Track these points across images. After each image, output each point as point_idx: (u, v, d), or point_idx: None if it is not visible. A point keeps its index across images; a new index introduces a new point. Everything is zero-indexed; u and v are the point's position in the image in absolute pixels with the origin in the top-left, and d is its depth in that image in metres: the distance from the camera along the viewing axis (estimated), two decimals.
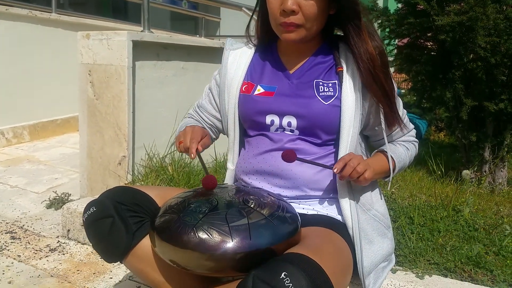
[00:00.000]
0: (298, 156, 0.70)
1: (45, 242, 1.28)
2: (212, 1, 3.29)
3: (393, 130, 0.81)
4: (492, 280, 0.88)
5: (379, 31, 2.25)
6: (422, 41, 2.46)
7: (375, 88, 0.73)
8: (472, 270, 0.90)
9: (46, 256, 1.18)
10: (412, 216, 1.15)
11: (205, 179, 0.69)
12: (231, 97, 0.81)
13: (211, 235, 0.59)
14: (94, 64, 1.47)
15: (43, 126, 2.63)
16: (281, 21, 0.72)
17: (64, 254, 1.20)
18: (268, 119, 0.77)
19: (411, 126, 0.86)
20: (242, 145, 0.84)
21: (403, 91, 3.89)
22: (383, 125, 0.77)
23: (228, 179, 0.86)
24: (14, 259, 1.16)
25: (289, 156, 0.69)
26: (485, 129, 2.35)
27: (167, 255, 0.63)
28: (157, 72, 1.57)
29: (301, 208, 0.77)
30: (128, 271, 1.10)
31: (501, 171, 2.34)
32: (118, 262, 0.73)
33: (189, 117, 0.93)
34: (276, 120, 0.77)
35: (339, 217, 0.77)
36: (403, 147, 0.83)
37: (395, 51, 2.63)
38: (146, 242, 0.69)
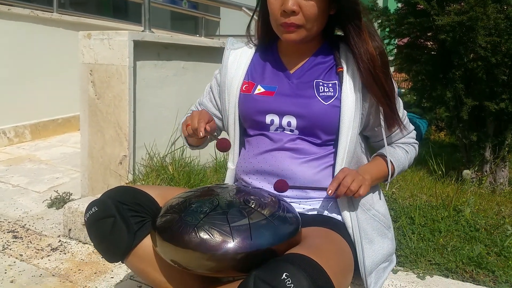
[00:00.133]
0: (290, 184, 0.71)
1: (47, 241, 1.28)
2: (212, 1, 3.29)
3: (393, 131, 0.81)
4: (494, 281, 0.88)
5: (379, 31, 2.25)
6: (422, 40, 2.46)
7: (375, 89, 0.73)
8: (474, 271, 0.90)
9: (48, 256, 1.19)
10: (413, 216, 1.15)
11: (219, 142, 0.69)
12: (231, 97, 0.81)
13: (212, 235, 0.59)
14: (95, 63, 1.47)
15: (44, 125, 2.64)
16: (281, 21, 0.72)
17: (65, 254, 1.20)
18: (268, 118, 0.77)
19: (411, 127, 0.85)
20: (242, 144, 0.85)
21: (403, 90, 3.88)
22: (382, 126, 0.77)
23: (229, 179, 0.86)
24: (16, 258, 1.16)
25: (281, 186, 0.70)
26: (486, 128, 2.34)
27: (168, 255, 0.63)
28: (158, 71, 1.57)
29: (302, 208, 0.77)
30: (129, 270, 1.10)
31: (502, 171, 2.34)
32: (120, 262, 0.73)
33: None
34: (276, 119, 0.77)
35: (339, 217, 0.77)
36: (402, 150, 0.83)
37: (395, 50, 2.63)
38: (147, 242, 0.69)
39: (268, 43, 0.84)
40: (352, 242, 0.73)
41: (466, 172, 1.74)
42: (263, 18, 0.80)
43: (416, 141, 0.86)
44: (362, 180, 0.70)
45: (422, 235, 1.06)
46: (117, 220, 0.68)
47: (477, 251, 0.94)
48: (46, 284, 1.03)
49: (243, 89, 0.81)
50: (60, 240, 1.29)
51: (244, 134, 0.85)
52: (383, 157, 0.80)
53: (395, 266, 0.88)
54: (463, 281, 0.87)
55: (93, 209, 0.71)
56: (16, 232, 1.34)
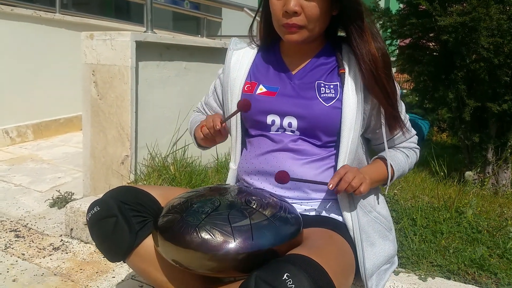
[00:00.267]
0: (291, 177, 0.70)
1: (49, 240, 1.28)
2: (214, 1, 3.30)
3: (395, 134, 0.81)
4: (496, 283, 0.87)
5: (381, 32, 2.24)
6: (424, 41, 2.45)
7: (377, 90, 0.73)
8: (476, 273, 0.89)
9: (50, 255, 1.19)
10: (414, 217, 1.15)
11: (240, 102, 0.72)
12: (234, 97, 0.81)
13: (213, 235, 0.59)
14: (98, 64, 1.48)
15: (47, 125, 2.65)
16: (283, 22, 0.72)
17: (67, 253, 1.21)
18: (269, 119, 0.78)
19: (413, 132, 0.85)
20: (244, 145, 0.85)
21: (404, 91, 3.88)
22: (383, 128, 0.77)
23: (230, 179, 0.86)
24: (18, 257, 1.17)
25: (282, 177, 0.70)
26: (488, 130, 2.33)
27: (169, 254, 0.64)
28: (160, 72, 1.57)
29: (303, 209, 0.77)
30: (131, 270, 1.10)
31: (505, 172, 2.33)
32: (121, 261, 0.73)
33: (198, 111, 0.96)
34: (277, 120, 0.77)
35: (340, 218, 0.77)
36: (403, 154, 0.82)
37: (397, 51, 2.62)
38: (149, 241, 0.70)
39: (271, 44, 0.84)
40: (353, 243, 0.73)
41: (468, 173, 1.73)
42: (266, 19, 0.81)
43: (418, 146, 0.86)
44: (363, 178, 0.70)
45: (424, 237, 1.05)
46: (119, 220, 0.69)
47: (479, 253, 0.94)
48: (48, 283, 1.04)
49: (245, 89, 0.81)
50: (62, 240, 1.29)
51: (246, 135, 0.85)
52: (383, 160, 0.80)
53: (396, 268, 0.88)
54: (465, 283, 0.87)
55: (95, 208, 0.71)
56: (18, 231, 1.34)
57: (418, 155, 0.86)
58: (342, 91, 0.75)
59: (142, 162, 1.51)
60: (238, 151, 0.84)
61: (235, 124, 0.82)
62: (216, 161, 1.70)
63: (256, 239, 0.59)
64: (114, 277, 1.08)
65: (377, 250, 0.76)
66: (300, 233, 0.65)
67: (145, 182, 1.44)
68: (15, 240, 1.27)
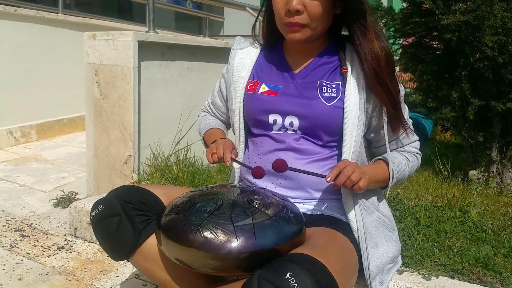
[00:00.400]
0: (289, 166, 0.69)
1: (53, 240, 1.29)
2: (216, 1, 3.30)
3: (397, 136, 0.79)
4: (501, 282, 0.87)
5: (384, 30, 2.23)
6: (427, 40, 2.43)
7: (379, 90, 0.72)
8: (481, 272, 0.89)
9: (54, 254, 1.20)
10: (418, 217, 1.14)
11: (255, 170, 0.71)
12: (237, 96, 0.81)
13: (216, 234, 0.59)
14: (100, 64, 1.48)
15: (50, 125, 2.67)
16: (286, 21, 0.72)
17: (71, 252, 1.21)
18: (271, 118, 0.77)
19: (415, 137, 0.82)
20: (247, 144, 0.85)
21: (408, 90, 3.85)
22: (385, 129, 0.76)
23: (233, 179, 0.86)
24: (23, 256, 1.18)
25: (280, 165, 0.69)
26: (492, 129, 2.32)
27: (172, 253, 0.64)
28: (162, 72, 1.58)
29: (306, 208, 0.77)
30: (135, 269, 1.11)
31: (509, 171, 2.31)
32: (125, 260, 0.74)
33: (204, 112, 0.97)
34: (279, 119, 0.77)
35: (343, 218, 0.76)
36: (404, 157, 0.80)
37: (400, 50, 2.61)
38: (152, 240, 0.70)
39: (273, 43, 0.84)
40: (357, 243, 0.73)
41: (472, 172, 1.72)
42: (268, 18, 0.80)
43: (419, 152, 0.83)
44: (362, 173, 0.68)
45: (427, 236, 1.05)
46: (123, 219, 0.69)
47: (484, 252, 0.93)
48: (53, 282, 1.04)
49: (248, 88, 0.81)
50: (66, 239, 1.30)
51: (249, 134, 0.85)
52: (384, 161, 0.78)
53: (400, 267, 0.88)
54: (469, 282, 0.86)
55: (98, 208, 0.72)
56: (23, 231, 1.35)
57: (420, 161, 0.83)
58: (344, 90, 0.74)
59: (145, 162, 1.52)
60: (241, 150, 0.84)
61: (238, 123, 0.82)
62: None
63: (258, 238, 0.59)
64: (118, 276, 1.08)
65: (381, 251, 0.76)
66: (303, 232, 0.65)
67: (148, 182, 1.44)
68: (20, 240, 1.29)
